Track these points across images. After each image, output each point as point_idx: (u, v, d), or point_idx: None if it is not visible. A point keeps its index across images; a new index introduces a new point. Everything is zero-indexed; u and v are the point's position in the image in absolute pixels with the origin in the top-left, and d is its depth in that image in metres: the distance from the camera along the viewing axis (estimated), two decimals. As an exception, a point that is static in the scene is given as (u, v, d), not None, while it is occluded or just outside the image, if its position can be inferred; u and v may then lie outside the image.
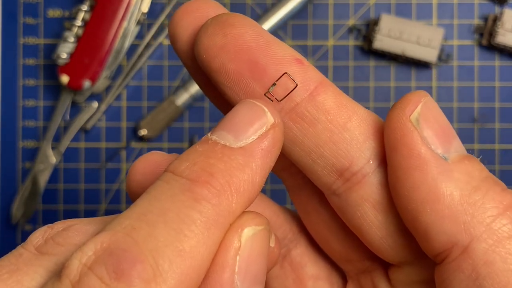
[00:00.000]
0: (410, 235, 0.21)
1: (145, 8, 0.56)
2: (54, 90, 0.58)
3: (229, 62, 0.21)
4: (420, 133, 0.20)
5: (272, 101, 0.21)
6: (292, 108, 0.21)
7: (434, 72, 0.57)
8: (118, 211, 0.58)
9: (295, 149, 0.22)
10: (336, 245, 0.25)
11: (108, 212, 0.58)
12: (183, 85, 0.57)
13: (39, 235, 0.20)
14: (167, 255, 0.17)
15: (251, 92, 0.21)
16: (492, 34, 0.55)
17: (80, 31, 0.55)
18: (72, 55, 0.55)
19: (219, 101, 0.24)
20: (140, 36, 0.58)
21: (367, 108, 0.22)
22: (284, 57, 0.21)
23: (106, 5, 0.55)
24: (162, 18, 0.58)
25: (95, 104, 0.58)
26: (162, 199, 0.18)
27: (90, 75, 0.55)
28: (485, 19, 0.56)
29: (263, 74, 0.21)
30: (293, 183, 0.26)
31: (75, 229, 0.20)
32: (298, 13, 0.57)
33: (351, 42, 0.57)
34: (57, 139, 0.58)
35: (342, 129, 0.21)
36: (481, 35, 0.56)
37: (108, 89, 0.58)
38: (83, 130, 0.58)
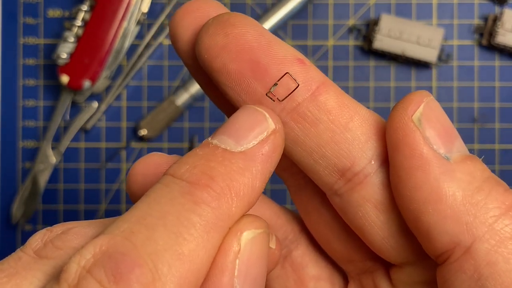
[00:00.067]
0: (412, 235, 0.21)
1: (145, 8, 0.56)
2: (54, 90, 0.58)
3: (230, 62, 0.21)
4: (422, 133, 0.20)
5: (273, 101, 0.21)
6: (294, 108, 0.21)
7: (434, 72, 0.57)
8: (118, 211, 0.58)
9: (296, 149, 0.22)
10: (338, 245, 0.25)
11: (108, 212, 0.58)
12: (183, 85, 0.57)
13: (38, 238, 0.20)
14: (166, 258, 0.17)
15: (253, 92, 0.21)
16: (492, 34, 0.55)
17: (80, 31, 0.55)
18: (72, 55, 0.55)
19: (220, 101, 0.24)
20: (140, 36, 0.58)
21: (367, 108, 0.22)
22: (285, 57, 0.21)
23: (106, 5, 0.55)
24: (162, 18, 0.58)
25: (95, 104, 0.58)
26: (161, 202, 0.18)
27: (90, 75, 0.55)
28: (485, 19, 0.56)
29: (264, 74, 0.21)
30: (294, 183, 0.25)
31: (74, 232, 0.20)
32: (298, 13, 0.57)
33: (351, 42, 0.57)
34: (57, 139, 0.58)
35: (344, 129, 0.21)
36: (481, 35, 0.56)
37: (108, 89, 0.58)
38: (83, 130, 0.58)
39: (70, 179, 0.58)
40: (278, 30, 0.57)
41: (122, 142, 0.58)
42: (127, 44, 0.56)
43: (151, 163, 0.24)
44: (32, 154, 0.58)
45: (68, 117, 0.58)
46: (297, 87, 0.21)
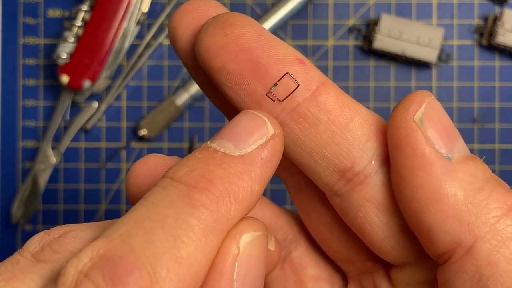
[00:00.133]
0: (412, 235, 0.21)
1: (145, 8, 0.56)
2: (54, 90, 0.58)
3: (230, 62, 0.21)
4: (424, 133, 0.20)
5: (273, 101, 0.21)
6: (294, 108, 0.21)
7: (434, 72, 0.57)
8: (118, 211, 0.58)
9: (296, 150, 0.22)
10: (337, 245, 0.25)
11: (108, 212, 0.58)
12: (183, 85, 0.57)
13: (36, 242, 0.20)
14: (164, 262, 0.17)
15: (252, 92, 0.21)
16: (492, 34, 0.55)
17: (80, 31, 0.55)
18: (72, 55, 0.55)
19: (220, 101, 0.24)
20: (140, 36, 0.58)
21: (367, 108, 0.22)
22: (285, 57, 0.21)
23: (106, 5, 0.55)
24: (162, 18, 0.58)
25: (95, 104, 0.58)
26: (160, 205, 0.18)
27: (90, 75, 0.55)
28: (485, 19, 0.56)
29: (264, 74, 0.21)
30: (294, 184, 0.25)
31: (72, 236, 0.20)
32: (298, 13, 0.57)
33: (351, 42, 0.57)
34: (57, 139, 0.58)
35: (344, 130, 0.21)
36: (481, 35, 0.56)
37: (108, 89, 0.58)
38: (83, 130, 0.58)
39: (70, 179, 0.58)
40: (278, 30, 0.57)
41: (122, 142, 0.58)
42: (127, 44, 0.56)
43: (150, 164, 0.24)
44: (32, 154, 0.58)
45: (68, 117, 0.58)
46: (297, 87, 0.21)
